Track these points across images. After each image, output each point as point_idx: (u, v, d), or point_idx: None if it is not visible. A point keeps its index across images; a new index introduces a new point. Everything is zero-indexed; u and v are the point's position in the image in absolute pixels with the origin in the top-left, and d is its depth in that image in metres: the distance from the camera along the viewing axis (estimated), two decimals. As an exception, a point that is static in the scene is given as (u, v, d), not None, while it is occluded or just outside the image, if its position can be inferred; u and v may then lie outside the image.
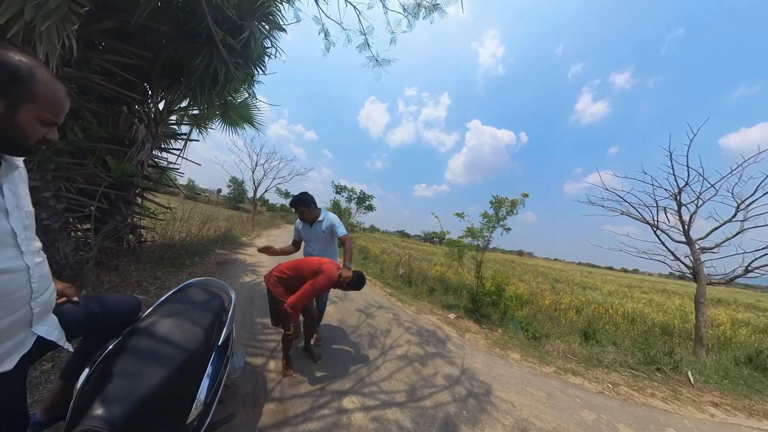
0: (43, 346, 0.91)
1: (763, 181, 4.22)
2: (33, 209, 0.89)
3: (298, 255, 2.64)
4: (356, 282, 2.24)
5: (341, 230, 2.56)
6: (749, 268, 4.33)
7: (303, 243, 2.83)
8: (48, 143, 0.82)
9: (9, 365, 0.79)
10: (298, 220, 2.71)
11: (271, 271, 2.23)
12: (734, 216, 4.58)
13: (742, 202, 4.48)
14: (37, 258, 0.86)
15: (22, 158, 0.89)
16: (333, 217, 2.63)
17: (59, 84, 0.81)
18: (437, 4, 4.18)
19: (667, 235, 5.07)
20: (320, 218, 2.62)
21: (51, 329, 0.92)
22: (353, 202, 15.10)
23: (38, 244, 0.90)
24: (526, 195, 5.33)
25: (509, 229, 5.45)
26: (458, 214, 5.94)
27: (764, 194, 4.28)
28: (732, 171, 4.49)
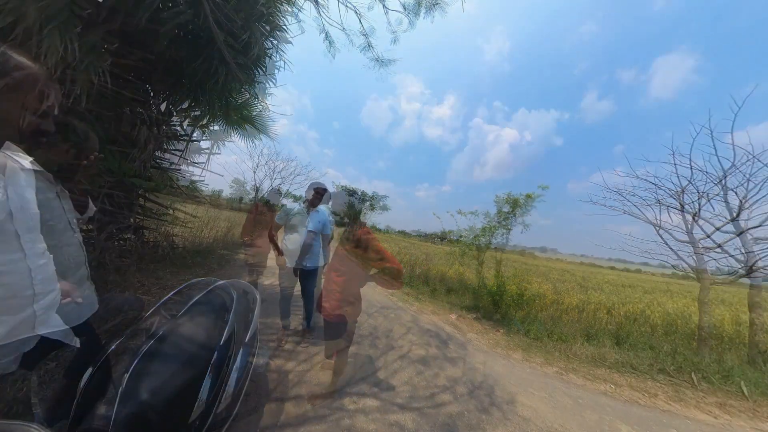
0: (47, 345, 0.92)
1: (767, 179, 4.18)
2: (38, 211, 0.89)
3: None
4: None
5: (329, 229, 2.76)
6: (753, 267, 4.29)
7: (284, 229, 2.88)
8: (45, 134, 0.82)
9: (14, 366, 0.81)
10: (297, 205, 2.70)
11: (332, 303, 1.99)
12: (738, 215, 4.54)
13: (746, 200, 4.44)
14: (41, 260, 0.87)
15: (29, 159, 0.90)
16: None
17: (36, 66, 0.80)
18: (437, 2, 4.15)
19: (670, 234, 5.03)
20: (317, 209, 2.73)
21: (55, 328, 0.92)
22: (366, 203, 15.36)
23: (43, 245, 0.90)
24: (546, 187, 4.92)
25: (528, 225, 5.28)
26: (461, 212, 5.95)
27: (768, 193, 4.24)
28: (736, 169, 4.45)
